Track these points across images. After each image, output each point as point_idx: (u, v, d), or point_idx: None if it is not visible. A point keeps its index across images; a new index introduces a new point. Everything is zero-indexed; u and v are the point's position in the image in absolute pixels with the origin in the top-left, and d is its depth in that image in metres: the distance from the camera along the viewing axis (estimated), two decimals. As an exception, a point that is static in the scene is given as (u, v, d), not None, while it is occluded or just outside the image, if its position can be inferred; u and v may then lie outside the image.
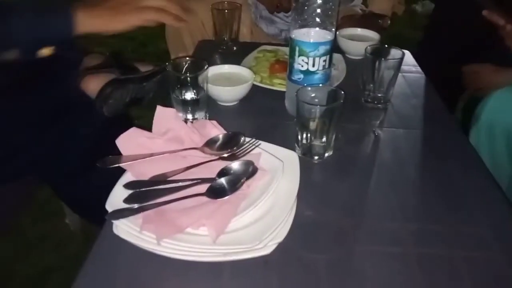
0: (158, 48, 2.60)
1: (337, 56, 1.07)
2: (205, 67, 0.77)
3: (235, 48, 1.14)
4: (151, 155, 0.61)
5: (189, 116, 0.78)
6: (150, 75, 0.87)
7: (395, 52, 0.88)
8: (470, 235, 0.58)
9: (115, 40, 2.87)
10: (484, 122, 1.06)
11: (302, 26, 0.76)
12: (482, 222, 0.60)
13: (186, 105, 0.78)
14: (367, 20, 1.24)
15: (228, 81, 0.90)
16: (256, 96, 0.90)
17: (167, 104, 0.79)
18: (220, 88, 0.86)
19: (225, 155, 0.63)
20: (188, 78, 0.77)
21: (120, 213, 0.52)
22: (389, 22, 1.28)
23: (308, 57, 0.76)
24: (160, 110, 0.67)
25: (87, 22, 0.73)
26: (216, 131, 0.66)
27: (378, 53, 0.87)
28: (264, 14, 1.35)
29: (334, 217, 0.61)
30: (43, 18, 0.74)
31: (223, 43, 1.14)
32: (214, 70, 0.91)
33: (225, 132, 0.67)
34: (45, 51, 0.76)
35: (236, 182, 0.56)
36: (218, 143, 0.64)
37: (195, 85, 0.78)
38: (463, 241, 0.57)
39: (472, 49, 1.42)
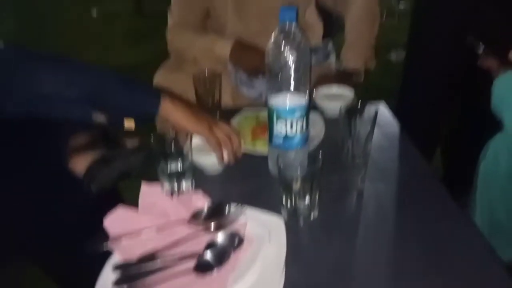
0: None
1: (315, 116, 1.11)
2: (189, 138, 0.80)
3: (218, 115, 1.18)
4: (138, 233, 0.62)
5: (175, 187, 0.80)
6: (136, 149, 0.90)
7: (369, 108, 0.92)
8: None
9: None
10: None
11: (278, 93, 0.80)
12: (470, 277, 0.61)
13: (171, 177, 0.80)
14: (341, 77, 1.30)
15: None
16: (240, 160, 0.92)
17: (155, 175, 0.82)
18: (205, 158, 0.87)
19: (211, 226, 0.63)
20: (172, 151, 0.79)
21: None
22: (362, 77, 1.34)
23: (285, 122, 0.80)
24: (145, 187, 0.68)
25: (169, 110, 0.82)
26: (201, 202, 0.68)
27: (352, 111, 0.91)
28: (244, 79, 1.41)
29: (324, 281, 0.61)
30: (136, 91, 0.83)
31: (206, 110, 1.18)
32: (199, 139, 0.92)
33: (210, 202, 0.68)
34: (128, 124, 0.83)
35: (223, 255, 0.57)
36: (204, 214, 0.66)
37: (179, 156, 0.80)
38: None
39: (447, 94, 1.48)
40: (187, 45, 1.41)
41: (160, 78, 1.36)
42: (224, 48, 1.34)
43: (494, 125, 0.99)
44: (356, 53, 1.35)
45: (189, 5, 1.43)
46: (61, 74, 0.77)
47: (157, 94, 0.83)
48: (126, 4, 6.42)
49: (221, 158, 0.85)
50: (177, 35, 1.43)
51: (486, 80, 1.06)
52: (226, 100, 1.38)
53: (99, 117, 0.81)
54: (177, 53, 1.45)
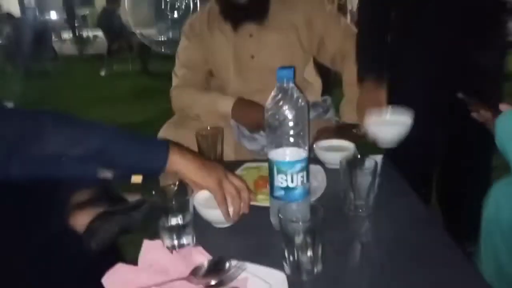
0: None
1: (317, 168, 1.12)
2: (191, 193, 0.81)
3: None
4: (137, 290, 0.61)
5: (176, 242, 0.79)
6: (137, 204, 0.90)
7: (369, 161, 0.93)
8: None
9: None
10: None
11: (277, 146, 0.82)
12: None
13: (172, 231, 0.79)
14: (342, 130, 1.33)
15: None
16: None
17: (156, 231, 0.81)
18: (212, 212, 0.85)
19: (212, 283, 0.62)
20: (173, 205, 0.79)
21: None
22: (362, 130, 1.37)
23: (286, 175, 0.81)
24: (146, 244, 0.68)
25: (178, 163, 0.82)
26: (202, 257, 0.67)
27: (353, 163, 0.92)
28: (246, 134, 1.44)
29: None
30: (143, 147, 0.82)
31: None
32: (206, 193, 0.89)
33: (210, 257, 0.67)
34: (136, 179, 0.83)
35: (223, 312, 0.55)
36: (204, 270, 0.65)
37: (181, 210, 0.80)
38: None
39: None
40: (190, 103, 1.47)
41: (164, 134, 1.40)
42: (226, 105, 1.39)
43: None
44: (354, 107, 1.38)
45: (192, 67, 1.51)
46: (66, 132, 0.78)
47: (165, 147, 0.82)
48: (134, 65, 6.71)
49: (226, 214, 0.84)
50: (181, 94, 1.50)
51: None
52: (229, 154, 1.40)
53: (106, 174, 0.82)
54: (181, 111, 1.50)
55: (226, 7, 1.43)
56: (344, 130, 1.32)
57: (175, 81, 1.53)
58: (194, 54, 1.52)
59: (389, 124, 1.19)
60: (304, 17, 1.44)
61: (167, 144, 0.83)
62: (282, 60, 1.44)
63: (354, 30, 1.47)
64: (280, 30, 1.43)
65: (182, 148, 0.86)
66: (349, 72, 1.45)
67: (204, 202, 0.87)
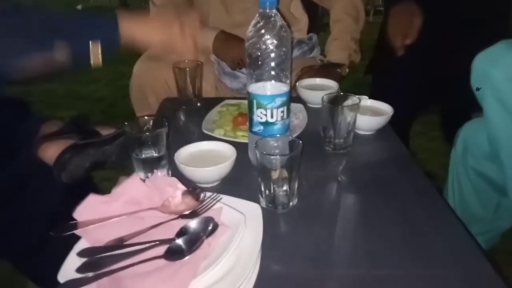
0: (127, 109, 2.62)
1: (298, 106, 1.10)
2: (165, 125, 0.78)
3: (199, 104, 1.16)
4: (108, 219, 0.59)
5: (150, 175, 0.77)
6: (111, 138, 0.86)
7: (351, 99, 0.91)
8: (438, 278, 0.57)
9: (83, 103, 2.89)
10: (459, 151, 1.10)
11: (258, 80, 0.78)
12: (449, 264, 0.60)
13: (146, 164, 0.77)
14: (326, 69, 1.29)
15: (207, 160, 0.79)
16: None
17: (131, 165, 0.79)
18: (197, 171, 0.76)
19: (185, 213, 0.61)
20: (147, 137, 0.76)
21: (73, 284, 0.49)
22: (347, 70, 1.33)
23: (266, 109, 0.78)
24: (122, 179, 0.66)
25: (129, 27, 0.84)
26: (176, 188, 0.65)
27: (335, 101, 0.90)
28: (227, 70, 1.39)
29: (300, 269, 0.59)
30: (91, 18, 0.85)
31: (187, 100, 1.15)
32: (191, 148, 0.84)
33: (185, 188, 0.66)
34: (95, 61, 0.82)
35: (195, 241, 0.54)
36: (178, 200, 0.63)
37: (155, 143, 0.77)
38: (432, 284, 0.56)
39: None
40: None
41: (140, 67, 1.32)
42: (206, 39, 1.31)
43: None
44: (340, 46, 1.33)
45: None
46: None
47: (114, 15, 0.84)
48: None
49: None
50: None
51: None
52: (209, 91, 1.35)
53: (63, 50, 0.78)
54: None
55: None
56: (328, 69, 1.28)
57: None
58: None
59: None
60: None
61: (115, 14, 0.85)
62: None
63: None
64: None
65: (132, 14, 0.88)
66: (336, 7, 1.39)
67: (186, 161, 0.80)
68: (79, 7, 6.44)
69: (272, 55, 0.75)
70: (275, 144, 0.75)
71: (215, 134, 0.96)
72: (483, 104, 0.95)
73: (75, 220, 0.59)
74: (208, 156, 0.82)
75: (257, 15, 0.75)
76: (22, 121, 0.91)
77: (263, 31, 0.74)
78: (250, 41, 0.76)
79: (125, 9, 6.27)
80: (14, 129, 0.88)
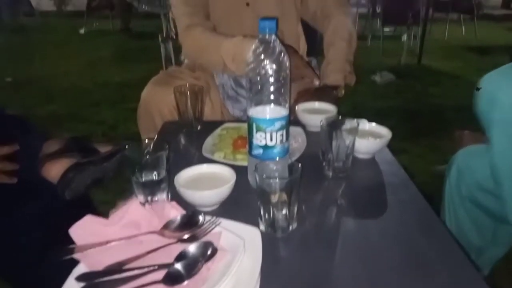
0: (128, 130, 2.64)
1: (297, 129, 1.11)
2: (165, 148, 0.78)
3: (199, 128, 1.17)
4: (106, 243, 0.59)
5: (150, 198, 0.77)
6: (110, 155, 0.88)
7: (350, 123, 0.92)
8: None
9: (84, 125, 2.91)
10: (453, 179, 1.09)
11: (258, 104, 0.79)
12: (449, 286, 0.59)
13: (146, 187, 0.77)
14: (322, 92, 1.30)
15: (207, 183, 0.79)
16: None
17: (128, 182, 0.79)
18: (196, 193, 0.76)
19: (184, 237, 0.61)
20: (148, 160, 0.77)
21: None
22: (343, 92, 1.35)
23: (265, 133, 0.79)
24: (122, 203, 0.66)
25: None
26: (175, 212, 0.65)
27: (333, 125, 0.91)
28: (230, 94, 1.41)
29: (300, 295, 0.58)
30: None
31: (188, 123, 1.16)
32: (191, 172, 0.83)
33: (184, 212, 0.66)
34: None
35: (194, 266, 0.54)
36: (177, 224, 0.63)
37: (155, 166, 0.78)
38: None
39: None
40: (205, 44, 1.34)
41: (149, 91, 1.34)
42: (246, 48, 1.27)
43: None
44: (334, 68, 1.35)
45: (195, 5, 1.38)
46: None
47: None
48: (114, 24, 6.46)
49: None
50: (196, 34, 1.36)
51: None
52: (215, 116, 1.37)
53: None
54: (196, 54, 1.40)
55: None
56: (324, 91, 1.30)
57: (182, 21, 1.38)
58: None
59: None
60: None
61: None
62: (276, 10, 1.39)
63: None
64: None
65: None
66: (330, 31, 1.42)
67: (186, 184, 0.79)
68: (81, 31, 6.56)
69: (272, 79, 0.77)
70: (275, 168, 0.76)
71: (215, 157, 0.97)
72: (490, 129, 0.93)
73: (72, 239, 0.59)
74: (208, 180, 0.82)
75: (257, 40, 0.77)
76: (25, 137, 0.92)
77: (262, 56, 0.76)
78: (250, 66, 0.77)
79: (127, 32, 6.39)
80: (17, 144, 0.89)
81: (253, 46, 0.77)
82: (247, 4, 1.40)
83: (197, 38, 1.35)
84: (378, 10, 5.43)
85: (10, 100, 3.27)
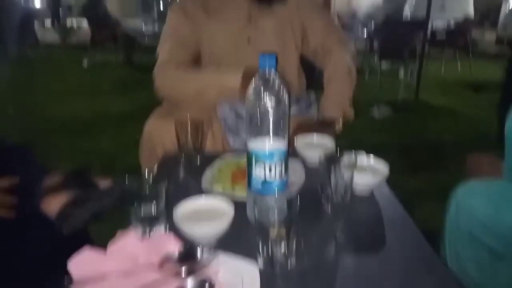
0: (127, 163, 2.64)
1: (296, 163, 1.11)
2: (164, 180, 0.79)
3: (199, 160, 1.17)
4: (104, 276, 0.58)
5: (148, 231, 0.76)
6: (109, 190, 0.88)
7: (348, 157, 0.93)
8: None
9: (84, 156, 2.91)
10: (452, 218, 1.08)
11: (257, 137, 0.80)
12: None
13: (144, 219, 0.77)
14: (320, 126, 1.32)
15: (205, 217, 0.78)
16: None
17: (127, 216, 0.78)
18: (194, 227, 0.75)
19: (182, 271, 0.60)
20: (146, 192, 0.77)
21: None
22: (341, 127, 1.37)
23: (264, 165, 0.79)
24: (120, 234, 0.66)
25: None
26: (173, 244, 0.65)
27: (332, 159, 0.92)
28: (231, 127, 1.42)
29: (299, 333, 0.57)
30: None
31: (187, 155, 1.17)
32: (190, 205, 0.82)
33: (182, 245, 0.65)
34: None
35: (191, 301, 0.53)
36: (175, 258, 0.62)
37: (154, 199, 0.78)
38: None
39: None
40: (180, 82, 1.38)
41: (152, 124, 1.35)
42: (233, 79, 1.33)
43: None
44: (333, 102, 1.38)
45: (182, 43, 1.44)
46: None
47: None
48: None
49: None
50: (169, 71, 1.40)
51: None
52: (217, 147, 1.38)
53: None
54: (167, 91, 1.43)
55: None
56: (323, 125, 1.31)
57: (162, 56, 1.42)
58: (185, 30, 1.43)
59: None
60: (295, 5, 1.45)
61: None
62: (277, 46, 1.43)
63: (337, 25, 1.48)
64: (277, 16, 1.43)
65: None
66: (329, 67, 1.45)
67: (184, 217, 0.77)
68: (84, 63, 6.69)
69: (271, 114, 0.78)
70: (273, 203, 0.76)
71: (214, 189, 0.97)
72: None
73: (69, 272, 0.59)
74: (206, 213, 0.82)
75: (257, 76, 0.79)
76: (25, 169, 0.93)
77: (262, 91, 0.78)
78: (250, 100, 0.79)
79: (130, 65, 6.50)
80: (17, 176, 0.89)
81: (253, 81, 0.79)
82: (248, 41, 1.44)
83: (171, 73, 1.39)
84: (375, 46, 5.58)
85: (11, 131, 3.29)
